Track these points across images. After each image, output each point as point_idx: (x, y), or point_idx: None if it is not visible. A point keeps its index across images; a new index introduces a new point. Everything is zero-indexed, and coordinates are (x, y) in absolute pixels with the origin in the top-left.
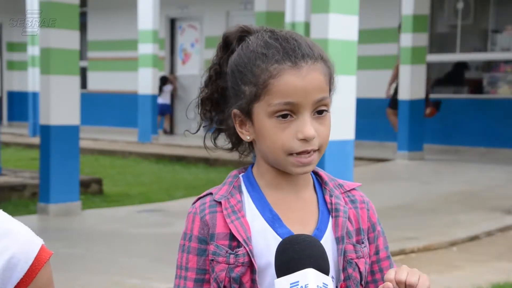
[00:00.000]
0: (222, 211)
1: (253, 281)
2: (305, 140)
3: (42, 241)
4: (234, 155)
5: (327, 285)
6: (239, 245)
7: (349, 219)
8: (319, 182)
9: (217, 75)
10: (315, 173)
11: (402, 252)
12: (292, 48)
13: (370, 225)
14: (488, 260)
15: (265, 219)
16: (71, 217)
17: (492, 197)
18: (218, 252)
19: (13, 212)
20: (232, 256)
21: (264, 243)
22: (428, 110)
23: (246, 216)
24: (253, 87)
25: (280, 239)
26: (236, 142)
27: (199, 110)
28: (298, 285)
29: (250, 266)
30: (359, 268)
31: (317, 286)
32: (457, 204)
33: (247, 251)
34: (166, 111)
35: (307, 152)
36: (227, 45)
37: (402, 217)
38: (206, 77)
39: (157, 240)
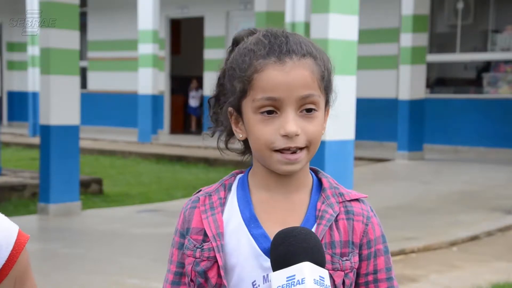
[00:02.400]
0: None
1: (219, 276)
2: (288, 136)
3: (18, 226)
4: (235, 155)
5: (323, 278)
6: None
7: (338, 229)
8: (320, 188)
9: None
10: (319, 178)
11: (402, 252)
12: (278, 44)
13: (365, 242)
14: (488, 260)
15: (243, 218)
16: (71, 217)
17: (492, 197)
18: (188, 245)
19: (13, 212)
20: (198, 250)
21: (236, 241)
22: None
23: (223, 213)
24: (241, 83)
25: (253, 240)
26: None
27: (210, 112)
28: (294, 279)
29: (217, 261)
30: (334, 281)
31: (314, 279)
32: (457, 204)
33: (213, 246)
34: (192, 113)
35: (289, 149)
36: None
37: (402, 217)
38: (216, 78)
39: (157, 240)
